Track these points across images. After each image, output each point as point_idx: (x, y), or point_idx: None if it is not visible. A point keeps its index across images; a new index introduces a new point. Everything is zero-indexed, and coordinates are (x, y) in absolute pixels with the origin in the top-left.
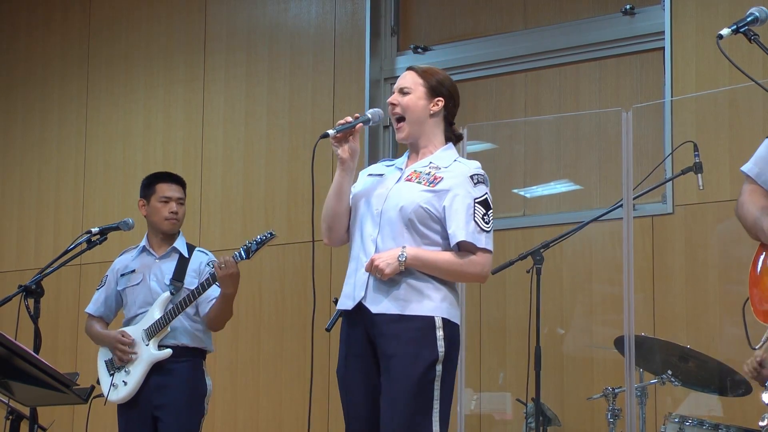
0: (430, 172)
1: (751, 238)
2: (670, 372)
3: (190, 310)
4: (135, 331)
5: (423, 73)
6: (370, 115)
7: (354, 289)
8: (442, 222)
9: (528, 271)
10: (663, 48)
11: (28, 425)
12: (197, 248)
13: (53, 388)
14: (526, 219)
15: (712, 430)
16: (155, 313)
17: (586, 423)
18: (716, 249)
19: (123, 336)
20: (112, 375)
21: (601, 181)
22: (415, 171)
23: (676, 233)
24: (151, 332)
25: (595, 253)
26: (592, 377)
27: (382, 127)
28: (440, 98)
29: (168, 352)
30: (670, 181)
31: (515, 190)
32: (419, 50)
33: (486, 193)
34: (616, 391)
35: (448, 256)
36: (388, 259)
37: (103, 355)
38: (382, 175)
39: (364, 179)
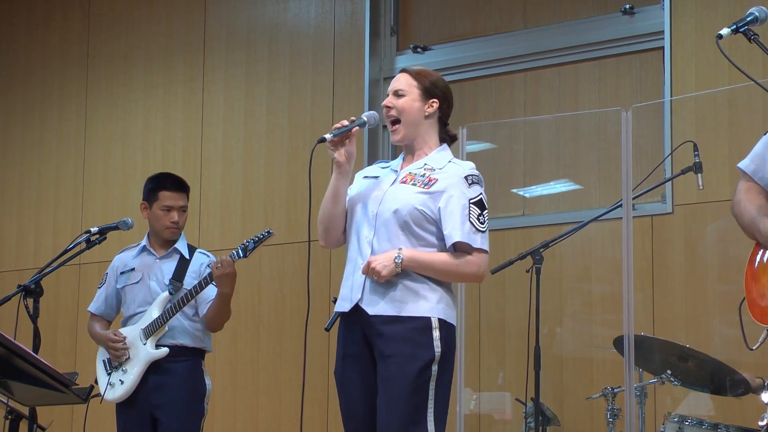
0: (425, 174)
1: (748, 237)
2: (669, 372)
3: (188, 310)
4: (133, 330)
5: (417, 75)
6: (365, 118)
7: (351, 291)
8: (437, 223)
9: (527, 271)
10: (662, 48)
11: (28, 425)
12: (198, 249)
13: (52, 387)
14: (525, 219)
15: (711, 429)
16: (153, 312)
17: (586, 423)
18: (716, 249)
19: (115, 335)
20: (109, 374)
21: (601, 181)
22: (410, 173)
23: (675, 233)
24: (149, 331)
25: (594, 253)
26: (591, 377)
27: (381, 128)
28: (435, 100)
29: (165, 351)
30: (670, 181)
31: (514, 190)
32: (419, 50)
33: (481, 193)
34: (616, 390)
35: (444, 257)
36: (384, 261)
37: (102, 354)
38: (377, 177)
39: (359, 181)
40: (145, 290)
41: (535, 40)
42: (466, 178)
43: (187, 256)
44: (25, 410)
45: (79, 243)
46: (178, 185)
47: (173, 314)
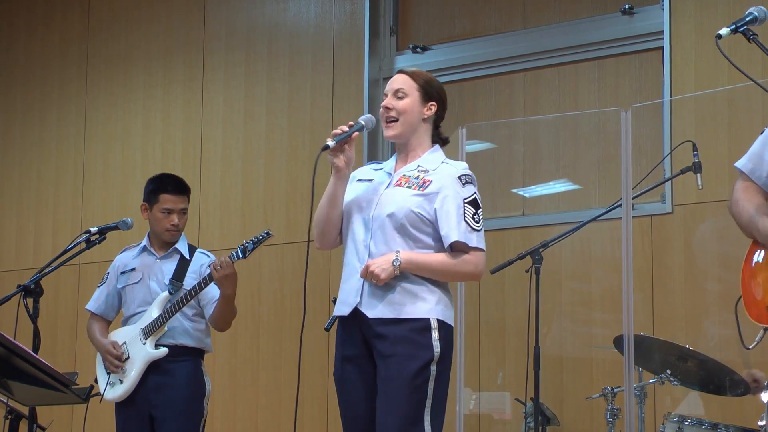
0: (419, 176)
1: (745, 236)
2: (669, 371)
3: (188, 310)
4: (133, 329)
5: (416, 77)
6: (363, 122)
7: (349, 295)
8: (434, 224)
9: (527, 271)
10: (662, 48)
11: (27, 425)
12: (198, 249)
13: (52, 387)
14: (525, 219)
15: (711, 429)
16: (153, 312)
17: (585, 423)
18: (715, 248)
19: (114, 348)
20: (109, 374)
21: (600, 181)
22: (404, 175)
23: (675, 233)
24: (148, 331)
25: (594, 253)
26: (591, 377)
27: (381, 130)
28: (433, 102)
29: (164, 351)
30: (669, 181)
31: (514, 190)
32: (418, 50)
33: (474, 192)
34: (615, 390)
35: (441, 257)
36: (382, 264)
37: None
38: (371, 180)
39: (353, 184)
40: (145, 290)
41: (534, 40)
42: (459, 178)
43: (188, 257)
44: (25, 410)
45: (79, 243)
46: (179, 188)
47: (173, 314)
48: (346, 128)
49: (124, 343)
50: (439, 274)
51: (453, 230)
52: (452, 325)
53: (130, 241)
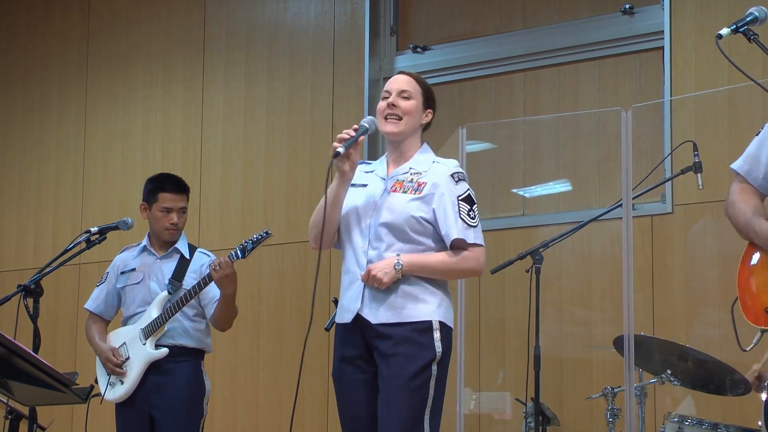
0: (412, 179)
1: (742, 238)
2: (669, 371)
3: (189, 310)
4: (132, 330)
5: (420, 82)
6: (367, 125)
7: (351, 302)
8: (433, 225)
9: (527, 271)
10: (662, 47)
11: (28, 425)
12: (198, 249)
13: (52, 387)
14: (525, 219)
15: (711, 429)
16: (153, 312)
17: (586, 422)
18: (715, 248)
19: (113, 355)
20: (109, 374)
21: (601, 181)
22: (397, 180)
23: (675, 233)
24: (148, 331)
25: (594, 253)
26: (591, 377)
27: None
28: (430, 110)
29: (164, 351)
30: (670, 181)
31: (514, 190)
32: (418, 50)
33: (468, 189)
34: (616, 390)
35: (441, 257)
36: (384, 268)
37: None
38: (365, 185)
39: (348, 190)
40: (145, 290)
41: (535, 40)
42: (452, 176)
43: (188, 256)
44: (25, 410)
45: (79, 243)
46: (178, 186)
47: (173, 314)
48: (352, 132)
49: (124, 343)
50: (441, 274)
51: (452, 228)
52: (452, 327)
53: (130, 241)
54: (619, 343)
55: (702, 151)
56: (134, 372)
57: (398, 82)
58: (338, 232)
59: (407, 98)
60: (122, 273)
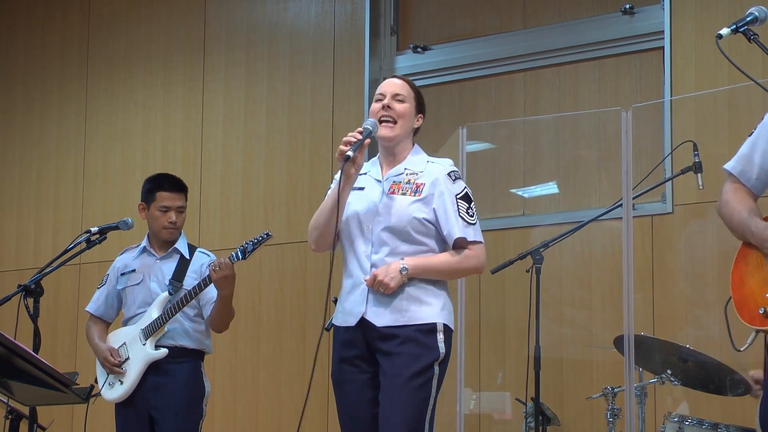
0: (410, 181)
1: (736, 238)
2: (669, 371)
3: (189, 310)
4: (133, 330)
5: (413, 86)
6: (370, 127)
7: (354, 306)
8: (435, 226)
9: (527, 271)
10: (662, 47)
11: (28, 424)
12: (198, 249)
13: (53, 387)
14: (525, 219)
15: (711, 429)
16: (153, 313)
17: (586, 422)
18: (715, 248)
19: (111, 355)
20: (108, 374)
21: (601, 181)
22: (394, 182)
23: (675, 233)
24: (148, 332)
25: (594, 253)
26: (591, 377)
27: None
28: (421, 115)
29: (164, 351)
30: (670, 181)
31: (514, 190)
32: (419, 50)
33: (465, 187)
34: (616, 390)
35: (444, 258)
36: (391, 272)
37: None
38: (362, 188)
39: None
40: (145, 291)
41: (535, 40)
42: (449, 175)
43: (187, 256)
44: (26, 410)
45: (79, 243)
46: (176, 185)
47: (173, 315)
48: (358, 135)
49: (124, 343)
50: (445, 274)
51: (454, 227)
52: (453, 329)
53: (130, 241)
54: (619, 343)
55: (702, 151)
56: (134, 372)
57: (392, 86)
58: (338, 235)
59: (401, 101)
60: (122, 274)
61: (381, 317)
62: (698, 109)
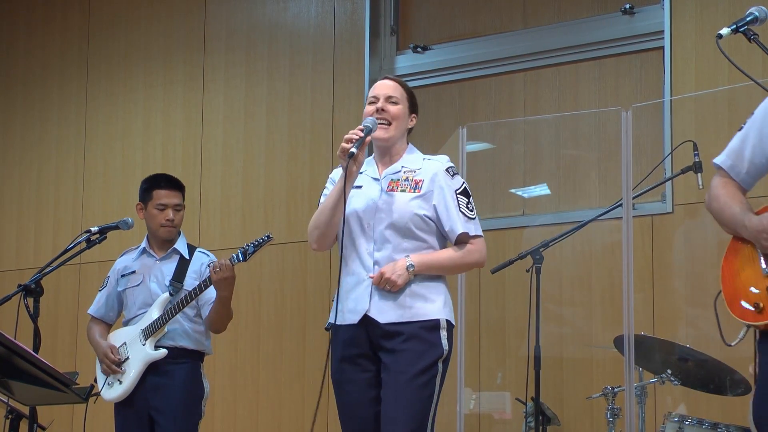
0: (408, 178)
1: (726, 232)
2: (669, 371)
3: (189, 311)
4: (133, 330)
5: (405, 87)
6: (370, 125)
7: (357, 303)
8: (436, 222)
9: (527, 271)
10: (662, 47)
11: (28, 424)
12: (198, 249)
13: (53, 387)
14: (525, 218)
15: (711, 429)
16: (153, 313)
17: (586, 422)
18: (715, 248)
19: (111, 352)
20: (104, 372)
21: (601, 181)
22: (392, 179)
23: (675, 233)
24: (148, 332)
25: (594, 253)
26: (591, 376)
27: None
28: (415, 115)
29: (163, 352)
30: (670, 181)
31: (514, 190)
32: (419, 49)
33: (463, 182)
34: (616, 390)
35: (448, 253)
36: (398, 270)
37: None
38: (360, 186)
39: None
40: (145, 292)
41: (535, 40)
42: (447, 170)
43: (187, 256)
44: (26, 410)
45: (79, 242)
46: (172, 183)
47: (173, 315)
48: (360, 133)
49: (124, 343)
50: (449, 270)
51: (456, 223)
52: (454, 324)
53: (130, 241)
54: (619, 343)
55: (702, 151)
56: (133, 372)
57: (385, 88)
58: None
59: (395, 103)
60: (122, 276)
61: (384, 314)
62: (698, 109)
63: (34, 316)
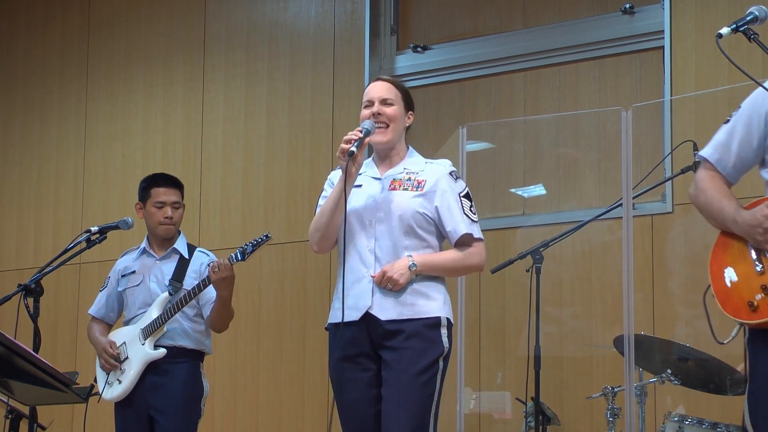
0: (410, 178)
1: (713, 226)
2: (669, 371)
3: (189, 310)
4: (132, 329)
5: (399, 86)
6: (369, 127)
7: (358, 300)
8: (436, 222)
9: (527, 270)
10: (662, 47)
11: (28, 424)
12: (198, 248)
13: (53, 387)
14: (525, 218)
15: (711, 429)
16: (153, 313)
17: (586, 422)
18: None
19: (110, 347)
20: (108, 373)
21: (601, 181)
22: (394, 179)
23: (675, 233)
24: (147, 331)
25: (594, 252)
26: (591, 376)
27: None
28: (411, 112)
29: (162, 351)
30: (670, 180)
31: (514, 190)
32: (419, 49)
33: (465, 186)
34: (616, 390)
35: (450, 255)
36: (400, 269)
37: None
38: (360, 186)
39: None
40: (145, 292)
41: (535, 40)
42: (450, 174)
43: (187, 256)
44: (26, 409)
45: (80, 242)
46: (170, 181)
47: (172, 315)
48: (359, 134)
49: (123, 343)
50: (450, 271)
51: (460, 224)
52: (453, 322)
53: (130, 240)
54: (619, 343)
55: None
56: (132, 372)
57: (379, 90)
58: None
59: (390, 105)
60: (123, 276)
61: (386, 311)
62: (698, 109)
63: (34, 316)
